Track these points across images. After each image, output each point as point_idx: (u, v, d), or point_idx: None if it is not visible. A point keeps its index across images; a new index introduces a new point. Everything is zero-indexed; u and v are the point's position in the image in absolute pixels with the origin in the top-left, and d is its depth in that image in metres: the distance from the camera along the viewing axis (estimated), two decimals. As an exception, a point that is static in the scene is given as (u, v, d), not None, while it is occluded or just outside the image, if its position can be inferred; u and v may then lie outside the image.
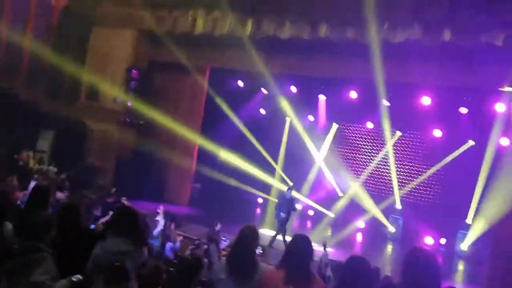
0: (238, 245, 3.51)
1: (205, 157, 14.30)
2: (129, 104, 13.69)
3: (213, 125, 14.41)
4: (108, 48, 13.97)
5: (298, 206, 14.26)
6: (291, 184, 16.23)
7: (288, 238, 10.46)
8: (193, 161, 14.37)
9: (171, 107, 13.87)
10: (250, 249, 3.48)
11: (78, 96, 14.52)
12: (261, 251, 6.76)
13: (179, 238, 7.93)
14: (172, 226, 8.13)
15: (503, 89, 10.10)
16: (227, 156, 15.22)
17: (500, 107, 11.00)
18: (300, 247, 3.15)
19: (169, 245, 7.55)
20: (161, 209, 8.72)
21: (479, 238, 12.21)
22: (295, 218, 15.59)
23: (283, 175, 16.80)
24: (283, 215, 10.57)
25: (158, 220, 8.34)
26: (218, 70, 13.68)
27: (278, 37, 11.33)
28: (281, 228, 10.52)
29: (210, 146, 14.27)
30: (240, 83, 14.78)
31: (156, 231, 8.00)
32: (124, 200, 8.68)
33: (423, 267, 2.74)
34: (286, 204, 10.72)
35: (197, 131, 14.09)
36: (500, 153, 11.11)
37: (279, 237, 10.38)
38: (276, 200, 15.22)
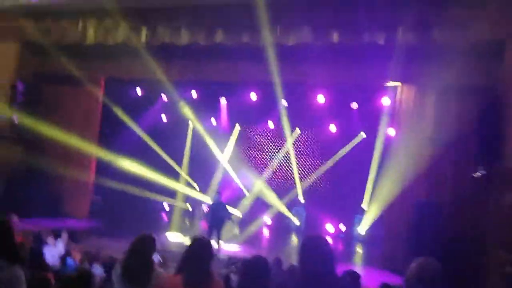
0: (131, 255, 3.51)
1: (105, 169, 13.70)
2: (15, 119, 12.64)
3: (112, 135, 13.85)
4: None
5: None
6: (196, 187, 16.38)
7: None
8: (91, 173, 13.67)
9: (64, 120, 13.02)
10: (144, 258, 3.48)
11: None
12: (161, 260, 6.71)
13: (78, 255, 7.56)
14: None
15: (387, 84, 11.04)
16: (128, 165, 14.76)
17: (385, 101, 12.06)
18: (197, 251, 3.11)
19: (70, 260, 7.17)
20: (64, 236, 8.15)
21: (374, 222, 13.29)
22: (202, 219, 15.73)
23: (189, 179, 16.73)
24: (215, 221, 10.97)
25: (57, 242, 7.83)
26: (115, 80, 13.10)
27: (174, 43, 11.16)
28: (217, 233, 10.79)
29: (109, 157, 13.71)
30: (139, 91, 14.36)
31: (56, 254, 7.53)
32: (15, 218, 8.04)
33: (316, 252, 2.89)
34: (218, 209, 11.05)
35: (94, 143, 13.43)
36: (388, 142, 12.15)
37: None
38: (186, 206, 15.37)
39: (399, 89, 10.80)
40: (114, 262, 4.58)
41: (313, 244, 2.97)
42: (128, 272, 3.44)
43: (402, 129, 10.66)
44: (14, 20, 12.23)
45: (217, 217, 11.01)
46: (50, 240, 7.83)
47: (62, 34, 11.82)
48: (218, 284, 3.14)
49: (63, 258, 7.29)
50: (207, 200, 15.87)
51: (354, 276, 4.89)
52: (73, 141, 12.60)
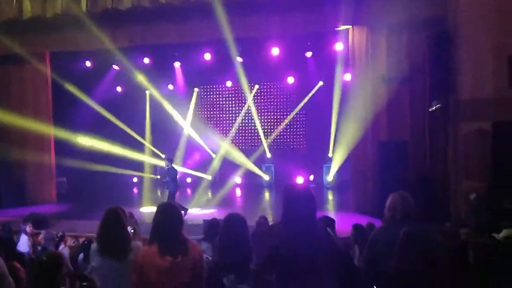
0: (104, 229, 3.45)
1: (64, 148, 13.30)
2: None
3: (66, 112, 13.36)
4: None
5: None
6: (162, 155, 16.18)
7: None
8: (51, 155, 13.23)
9: (14, 102, 12.52)
10: (117, 230, 3.42)
11: None
12: (132, 230, 6.64)
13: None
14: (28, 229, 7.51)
15: (339, 29, 10.98)
16: (87, 141, 14.37)
17: (339, 46, 12.03)
18: (165, 216, 3.09)
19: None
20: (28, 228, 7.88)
21: (340, 168, 13.56)
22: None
23: (154, 149, 16.50)
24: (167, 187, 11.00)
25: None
26: (61, 54, 12.49)
27: (118, 8, 10.66)
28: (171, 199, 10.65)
29: (67, 135, 13.29)
30: (88, 63, 13.80)
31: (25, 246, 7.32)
32: None
33: (299, 200, 2.94)
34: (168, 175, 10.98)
35: (49, 123, 12.95)
36: (345, 87, 12.23)
37: None
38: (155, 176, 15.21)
39: (350, 32, 10.74)
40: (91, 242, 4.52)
41: (295, 194, 2.99)
42: (104, 246, 3.39)
43: (357, 72, 10.69)
44: None
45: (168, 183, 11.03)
46: (27, 228, 7.55)
47: (-2, 11, 11.10)
48: (195, 247, 3.11)
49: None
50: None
51: (328, 221, 4.91)
52: (27, 123, 12.17)
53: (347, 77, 12.07)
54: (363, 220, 6.99)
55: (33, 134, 12.46)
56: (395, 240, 3.00)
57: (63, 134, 13.09)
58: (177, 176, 11.25)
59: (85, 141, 14.34)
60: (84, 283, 5.17)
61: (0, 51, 11.83)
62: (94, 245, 3.50)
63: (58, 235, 7.19)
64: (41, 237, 7.29)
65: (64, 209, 12.27)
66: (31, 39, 11.80)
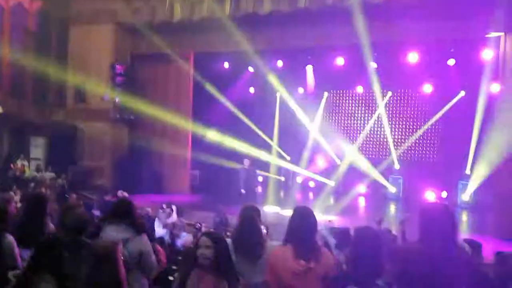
0: (242, 225, 3.50)
1: (199, 143, 14.23)
2: (117, 100, 13.52)
3: (203, 110, 14.28)
4: (89, 46, 13.69)
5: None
6: (287, 158, 16.44)
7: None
8: (188, 148, 14.29)
9: (159, 97, 13.72)
10: (255, 228, 3.46)
11: (65, 99, 14.32)
12: (266, 230, 6.74)
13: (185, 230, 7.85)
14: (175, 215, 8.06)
15: (489, 36, 10.05)
16: (216, 137, 15.11)
17: (487, 54, 10.97)
18: (302, 220, 3.09)
19: (179, 241, 7.48)
20: (173, 207, 8.55)
21: (480, 186, 12.34)
22: (297, 191, 15.75)
23: (280, 150, 16.81)
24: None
25: (167, 214, 8.23)
26: (202, 54, 13.47)
27: (258, 13, 11.13)
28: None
29: (202, 131, 14.20)
30: (226, 65, 14.60)
31: (165, 222, 7.94)
32: (121, 193, 8.60)
33: (440, 221, 2.74)
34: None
35: (188, 118, 13.96)
36: (492, 99, 11.14)
37: None
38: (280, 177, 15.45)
39: (502, 40, 9.77)
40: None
41: (437, 214, 2.80)
42: (241, 244, 3.43)
43: (507, 84, 9.67)
44: (107, 2, 13.05)
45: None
46: (163, 212, 8.19)
47: (152, 13, 12.37)
48: (328, 255, 3.10)
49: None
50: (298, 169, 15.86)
51: (475, 245, 4.41)
52: (169, 118, 13.17)
53: (494, 88, 10.96)
54: (507, 247, 6.25)
55: (174, 128, 13.52)
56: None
57: (200, 129, 14.00)
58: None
59: (214, 136, 15.11)
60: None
61: (151, 49, 13.12)
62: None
63: (197, 226, 7.57)
64: (175, 224, 7.86)
65: (196, 200, 13.04)
66: (179, 40, 12.89)
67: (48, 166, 12.94)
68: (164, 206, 8.41)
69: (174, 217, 8.08)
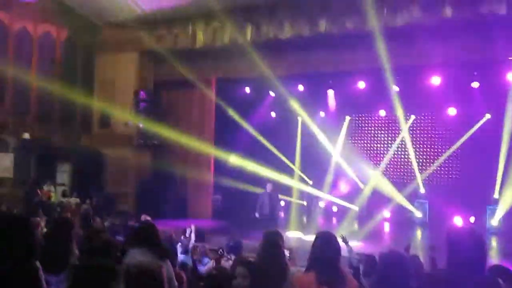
0: (265, 250, 3.44)
1: (222, 168, 14.29)
2: (140, 126, 13.75)
3: (225, 135, 14.40)
4: (114, 74, 14.11)
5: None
6: (309, 182, 16.31)
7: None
8: (210, 173, 14.34)
9: (182, 123, 13.90)
10: (278, 253, 3.40)
11: (90, 126, 14.67)
12: (289, 255, 6.62)
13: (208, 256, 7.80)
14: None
15: (513, 58, 9.93)
16: (238, 161, 15.14)
17: (512, 77, 10.82)
18: (326, 245, 3.04)
19: (202, 268, 7.42)
20: (192, 227, 8.56)
21: (509, 211, 11.98)
22: (320, 216, 15.56)
23: (302, 174, 16.71)
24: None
25: (187, 237, 8.22)
26: (224, 80, 13.66)
27: (279, 38, 11.29)
28: None
29: (225, 156, 14.26)
30: (247, 90, 14.75)
31: (186, 246, 7.91)
32: (144, 217, 8.62)
33: (469, 246, 2.64)
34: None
35: (211, 143, 14.07)
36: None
37: None
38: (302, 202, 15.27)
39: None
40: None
41: (466, 238, 2.70)
42: (264, 269, 3.36)
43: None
44: (131, 31, 13.42)
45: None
46: (185, 237, 8.19)
47: (175, 40, 12.71)
48: (352, 281, 3.05)
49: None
50: (321, 194, 15.69)
51: (504, 272, 4.11)
52: (192, 143, 13.29)
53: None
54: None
55: (197, 153, 13.63)
56: None
57: (222, 154, 14.07)
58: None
59: (236, 160, 15.15)
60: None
61: (174, 76, 13.38)
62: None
63: (219, 252, 7.52)
64: (197, 249, 7.82)
65: (218, 226, 12.97)
66: (201, 66, 13.14)
67: (73, 191, 13.15)
68: (187, 231, 8.39)
69: (192, 237, 8.04)
